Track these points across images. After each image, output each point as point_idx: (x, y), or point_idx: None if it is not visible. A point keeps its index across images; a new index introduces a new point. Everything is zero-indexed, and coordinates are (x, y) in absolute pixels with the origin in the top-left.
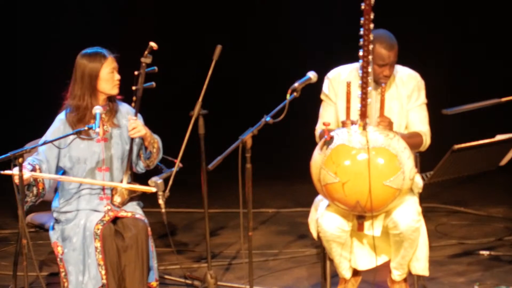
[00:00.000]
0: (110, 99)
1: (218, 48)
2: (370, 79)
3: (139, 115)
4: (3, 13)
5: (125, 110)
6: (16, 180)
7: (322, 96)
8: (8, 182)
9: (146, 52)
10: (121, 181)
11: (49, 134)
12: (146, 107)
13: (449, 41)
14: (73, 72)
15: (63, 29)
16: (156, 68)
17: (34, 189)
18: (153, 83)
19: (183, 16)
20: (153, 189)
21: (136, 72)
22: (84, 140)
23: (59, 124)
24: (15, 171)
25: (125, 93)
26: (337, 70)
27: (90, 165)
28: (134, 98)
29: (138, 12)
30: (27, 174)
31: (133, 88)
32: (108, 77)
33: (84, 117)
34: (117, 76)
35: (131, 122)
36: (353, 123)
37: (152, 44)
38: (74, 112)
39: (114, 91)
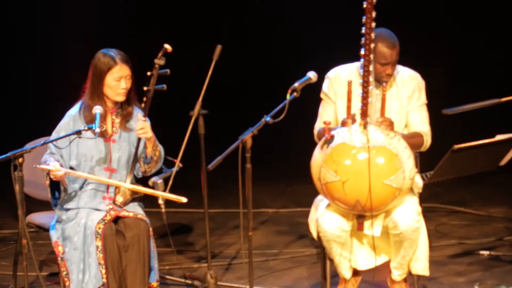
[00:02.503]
0: (129, 103)
1: (218, 48)
2: (371, 78)
3: (147, 119)
4: (4, 16)
5: (137, 114)
6: (52, 176)
7: (321, 95)
8: (8, 182)
9: (160, 54)
10: (125, 182)
11: (59, 129)
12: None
13: (449, 41)
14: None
15: (68, 30)
16: (168, 70)
17: (61, 186)
18: (164, 86)
19: (182, 15)
20: (183, 199)
21: (149, 73)
22: (92, 138)
23: (68, 119)
24: (51, 166)
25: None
26: (337, 69)
27: (97, 163)
28: (144, 99)
29: (143, 13)
30: (62, 171)
31: (145, 88)
32: (112, 84)
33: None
34: (123, 85)
35: (139, 122)
36: (353, 121)
37: (167, 46)
38: (86, 109)
39: (118, 98)
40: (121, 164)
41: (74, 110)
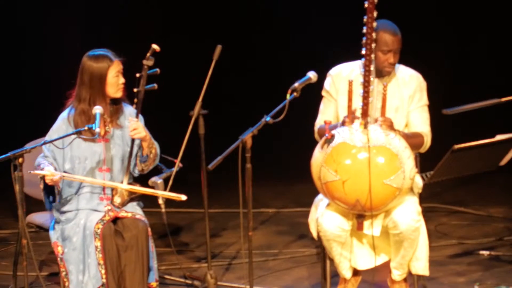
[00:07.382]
0: (115, 100)
1: (218, 48)
2: (372, 77)
3: (140, 116)
4: (5, 16)
5: (128, 111)
6: (48, 180)
7: (323, 93)
8: (8, 182)
9: (148, 54)
10: (121, 182)
11: (52, 133)
12: (146, 107)
13: (449, 40)
14: (79, 74)
15: (65, 30)
16: (158, 70)
17: (56, 190)
18: (155, 85)
19: (183, 15)
20: (183, 197)
21: (138, 74)
22: (86, 140)
23: (61, 123)
24: (46, 171)
25: (127, 95)
26: (339, 67)
27: (91, 165)
28: (135, 100)
29: (139, 11)
30: (57, 176)
31: (135, 90)
32: (113, 81)
33: (89, 120)
34: (122, 80)
35: (132, 123)
36: (353, 118)
37: (155, 46)
38: (80, 115)
39: (118, 94)
40: (115, 163)
41: (66, 112)
